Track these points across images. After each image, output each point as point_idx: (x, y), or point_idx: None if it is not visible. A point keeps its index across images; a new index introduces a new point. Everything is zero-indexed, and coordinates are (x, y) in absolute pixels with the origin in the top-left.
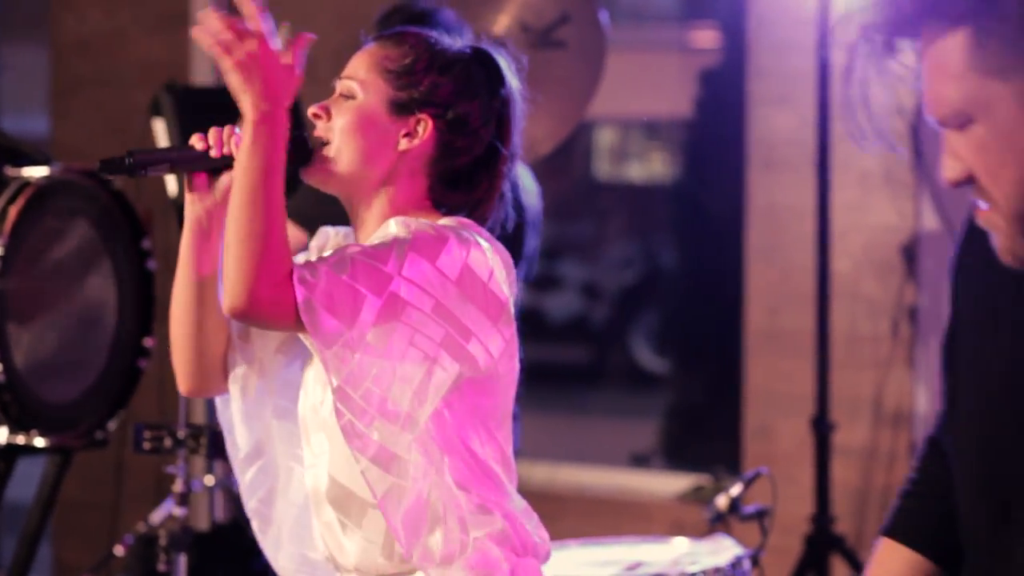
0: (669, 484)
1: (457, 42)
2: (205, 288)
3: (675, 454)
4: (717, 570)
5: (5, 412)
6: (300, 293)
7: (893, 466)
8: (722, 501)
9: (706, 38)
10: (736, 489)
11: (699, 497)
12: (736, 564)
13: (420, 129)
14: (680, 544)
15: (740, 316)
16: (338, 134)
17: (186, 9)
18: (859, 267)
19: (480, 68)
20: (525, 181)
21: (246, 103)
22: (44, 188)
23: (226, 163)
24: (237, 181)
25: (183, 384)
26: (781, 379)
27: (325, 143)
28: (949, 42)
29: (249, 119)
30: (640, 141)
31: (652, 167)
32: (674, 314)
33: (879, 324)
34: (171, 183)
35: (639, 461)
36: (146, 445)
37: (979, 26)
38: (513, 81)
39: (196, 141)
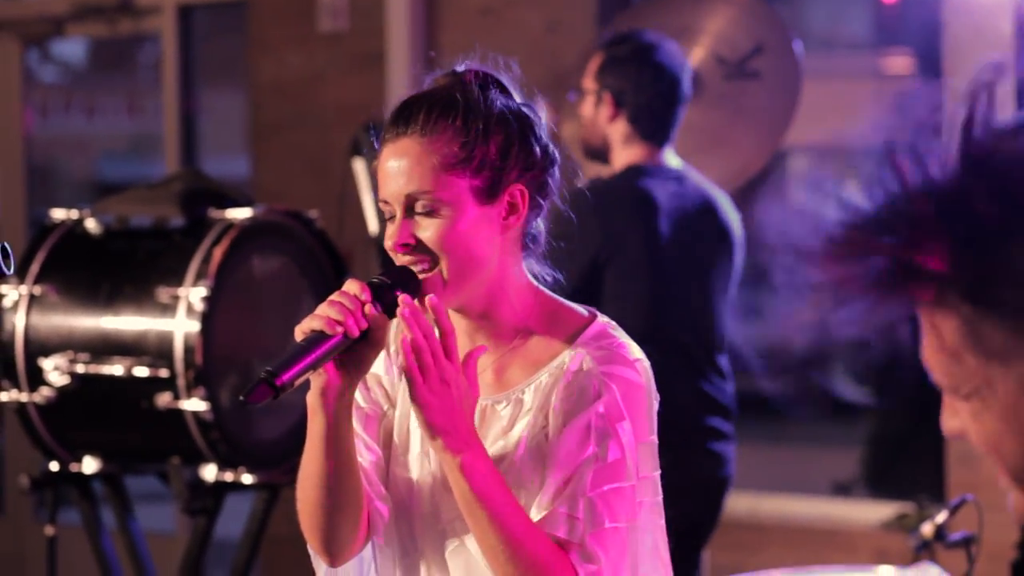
0: (872, 512)
1: (454, 84)
2: (343, 476)
3: (877, 482)
4: None
5: (213, 450)
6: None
7: None
8: (927, 529)
9: (899, 64)
10: (942, 516)
11: (903, 525)
12: None
13: (519, 199)
14: (886, 572)
15: None
16: (442, 252)
17: (383, 49)
18: None
19: (499, 94)
20: (726, 206)
21: (437, 445)
22: (247, 229)
23: (364, 336)
24: (475, 532)
25: (326, 561)
26: None
27: (431, 268)
28: (944, 323)
29: (453, 470)
30: (835, 169)
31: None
32: (876, 341)
33: None
34: (372, 221)
35: (841, 490)
36: None
37: (976, 310)
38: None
39: (323, 324)
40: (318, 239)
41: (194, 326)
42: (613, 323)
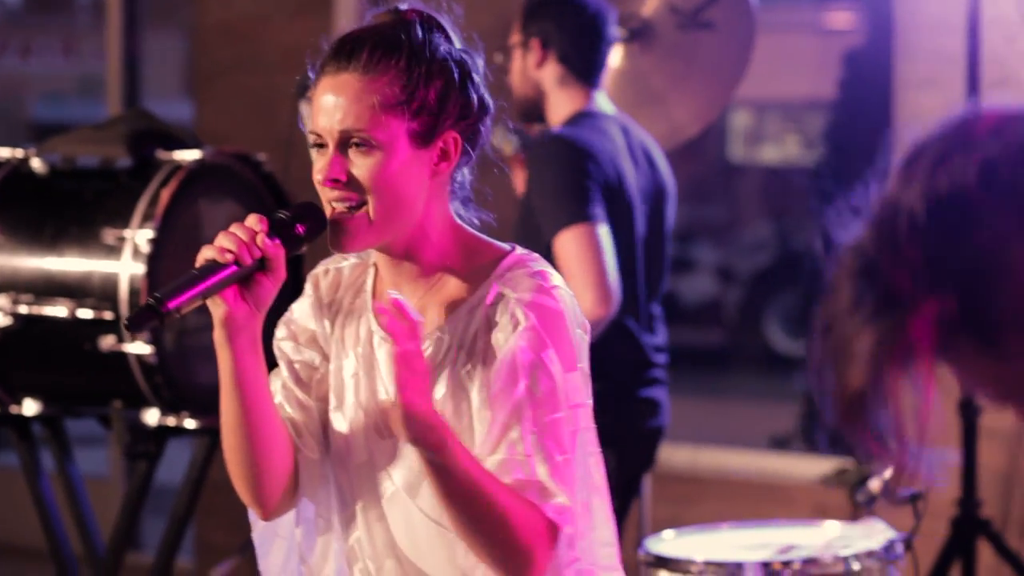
0: (811, 467)
1: (398, 24)
2: (257, 417)
3: (814, 437)
4: (870, 553)
5: (156, 394)
6: (560, 520)
7: None
8: (875, 484)
9: (843, 19)
10: (890, 472)
11: (843, 480)
12: (889, 548)
13: (451, 146)
14: (831, 527)
15: None
16: (372, 192)
17: None
18: None
19: (442, 39)
20: (661, 158)
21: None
22: (195, 171)
23: (259, 266)
24: (448, 509)
25: (259, 514)
26: None
27: (358, 206)
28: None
29: (425, 458)
30: (776, 124)
31: (787, 149)
32: (813, 295)
33: None
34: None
35: (779, 444)
36: None
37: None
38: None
39: (215, 253)
40: (265, 182)
41: (139, 268)
42: (534, 255)
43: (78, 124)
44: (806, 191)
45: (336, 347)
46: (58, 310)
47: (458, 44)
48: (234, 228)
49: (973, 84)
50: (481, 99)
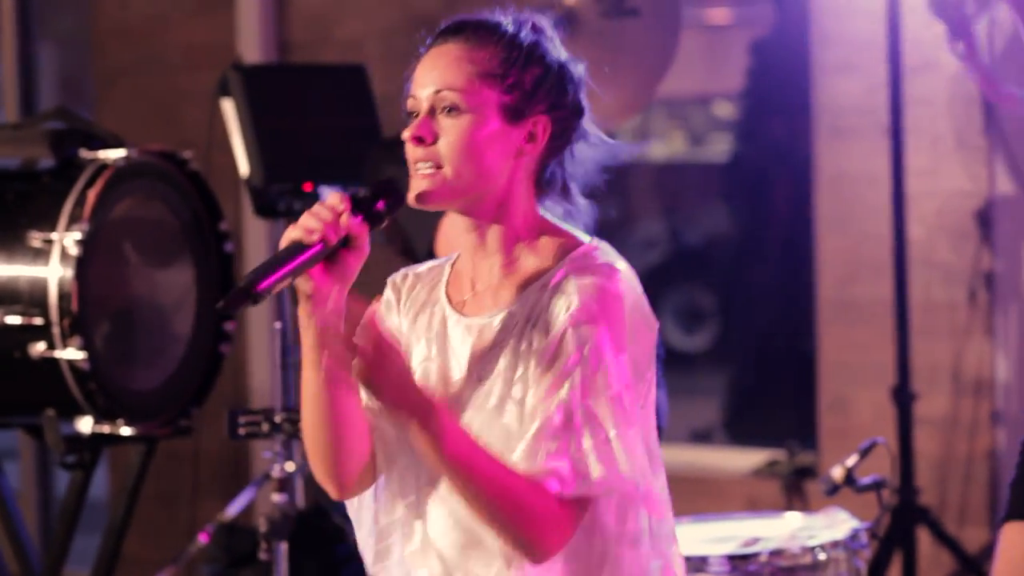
0: (738, 460)
1: (508, 21)
2: (339, 391)
3: (738, 430)
4: (836, 543)
5: (90, 401)
6: (574, 488)
7: (975, 435)
8: (838, 472)
9: (721, 15)
10: (852, 460)
11: (775, 471)
12: (854, 537)
13: (539, 130)
14: (793, 518)
15: (810, 288)
16: (454, 154)
17: None
18: (933, 234)
19: (547, 40)
20: None
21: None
22: (121, 171)
23: (343, 244)
24: (451, 479)
25: (333, 492)
26: (855, 350)
27: (437, 168)
28: None
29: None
30: (661, 120)
31: (673, 146)
32: (721, 289)
33: (955, 291)
34: (242, 162)
35: (701, 438)
36: (242, 431)
37: None
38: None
39: (301, 234)
40: (192, 180)
41: (69, 271)
42: (609, 247)
43: None
44: (695, 186)
45: (408, 339)
46: None
47: (563, 52)
48: (317, 208)
49: (896, 65)
50: (576, 99)
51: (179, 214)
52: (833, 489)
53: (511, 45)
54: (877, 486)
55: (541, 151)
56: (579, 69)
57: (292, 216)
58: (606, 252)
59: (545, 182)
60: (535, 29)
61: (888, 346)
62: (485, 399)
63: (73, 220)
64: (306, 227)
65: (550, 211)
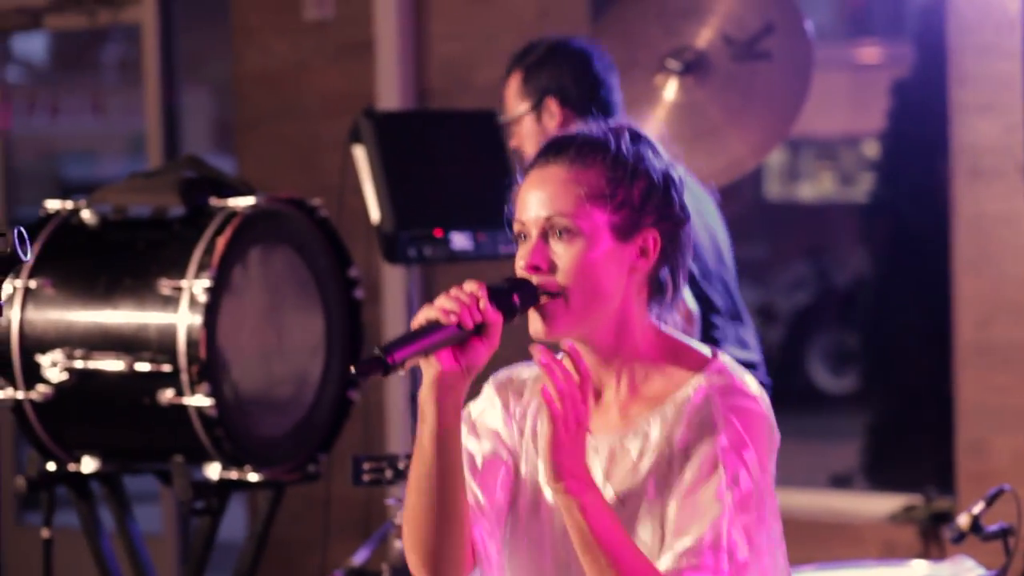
0: (876, 505)
1: (607, 129)
2: (451, 481)
3: (878, 474)
4: None
5: (217, 447)
6: None
7: None
8: (964, 520)
9: (870, 54)
10: (978, 507)
11: (911, 517)
12: None
13: (650, 244)
14: (919, 567)
15: (949, 330)
16: (572, 279)
17: (370, 38)
18: None
19: (649, 149)
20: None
21: (560, 487)
22: (250, 218)
23: (477, 331)
24: (593, 562)
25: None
26: (995, 393)
27: (556, 294)
28: None
29: (573, 510)
30: (810, 161)
31: (822, 186)
32: (865, 331)
33: None
34: (373, 209)
35: (841, 482)
36: (365, 477)
37: None
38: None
39: (439, 314)
40: (321, 227)
41: (197, 319)
42: (732, 360)
43: (107, 182)
44: (844, 227)
45: (528, 451)
46: (114, 364)
47: (665, 156)
48: (455, 292)
49: None
50: (683, 206)
51: (309, 261)
52: (959, 536)
53: (616, 162)
54: (1004, 534)
55: (652, 264)
56: (680, 172)
57: (423, 262)
58: (735, 368)
59: (657, 291)
60: (635, 138)
61: None
62: (629, 523)
63: (202, 267)
64: (443, 307)
65: (663, 319)
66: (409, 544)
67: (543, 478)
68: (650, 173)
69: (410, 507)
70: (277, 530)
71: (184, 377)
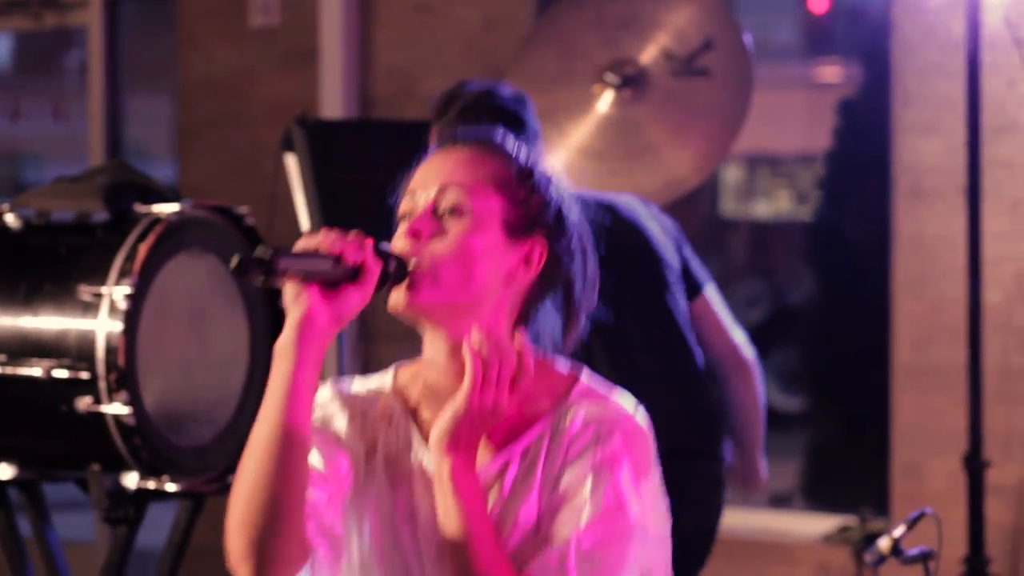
0: (812, 525)
1: (519, 144)
2: (296, 447)
3: (816, 494)
4: None
5: (135, 456)
6: None
7: None
8: (884, 543)
9: (830, 73)
10: (899, 531)
11: (846, 538)
12: None
13: (535, 256)
14: None
15: (886, 351)
16: (449, 255)
17: (315, 46)
18: (1011, 298)
19: (556, 179)
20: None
21: (441, 448)
22: (174, 225)
23: (354, 275)
24: (448, 548)
25: (250, 566)
26: (931, 415)
27: (419, 267)
28: None
29: (444, 475)
30: (766, 178)
31: (778, 204)
32: (810, 350)
33: None
34: (304, 218)
35: (779, 502)
36: None
37: None
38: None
39: (322, 244)
40: (248, 236)
41: (117, 326)
42: (595, 376)
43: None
44: (796, 246)
45: (379, 487)
46: (33, 370)
47: (568, 195)
48: (340, 233)
49: (974, 127)
50: (575, 247)
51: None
52: (879, 560)
53: (526, 164)
54: (924, 558)
55: (530, 284)
56: (577, 214)
57: None
58: (602, 384)
59: (529, 318)
60: (544, 163)
61: (963, 412)
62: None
63: (123, 274)
64: (327, 239)
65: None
66: (237, 524)
67: (425, 460)
68: (554, 199)
69: (245, 477)
70: (205, 538)
71: (102, 384)
